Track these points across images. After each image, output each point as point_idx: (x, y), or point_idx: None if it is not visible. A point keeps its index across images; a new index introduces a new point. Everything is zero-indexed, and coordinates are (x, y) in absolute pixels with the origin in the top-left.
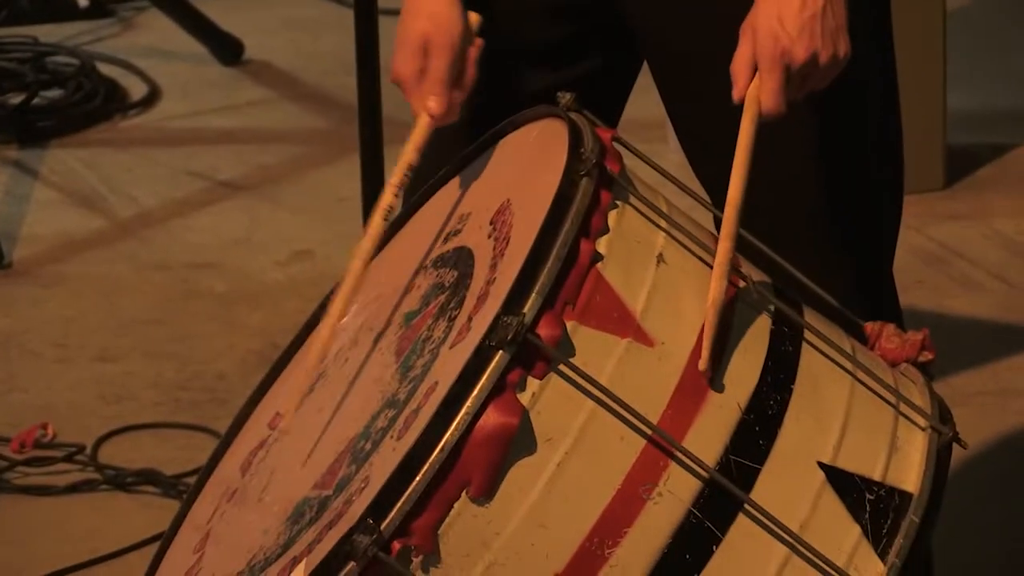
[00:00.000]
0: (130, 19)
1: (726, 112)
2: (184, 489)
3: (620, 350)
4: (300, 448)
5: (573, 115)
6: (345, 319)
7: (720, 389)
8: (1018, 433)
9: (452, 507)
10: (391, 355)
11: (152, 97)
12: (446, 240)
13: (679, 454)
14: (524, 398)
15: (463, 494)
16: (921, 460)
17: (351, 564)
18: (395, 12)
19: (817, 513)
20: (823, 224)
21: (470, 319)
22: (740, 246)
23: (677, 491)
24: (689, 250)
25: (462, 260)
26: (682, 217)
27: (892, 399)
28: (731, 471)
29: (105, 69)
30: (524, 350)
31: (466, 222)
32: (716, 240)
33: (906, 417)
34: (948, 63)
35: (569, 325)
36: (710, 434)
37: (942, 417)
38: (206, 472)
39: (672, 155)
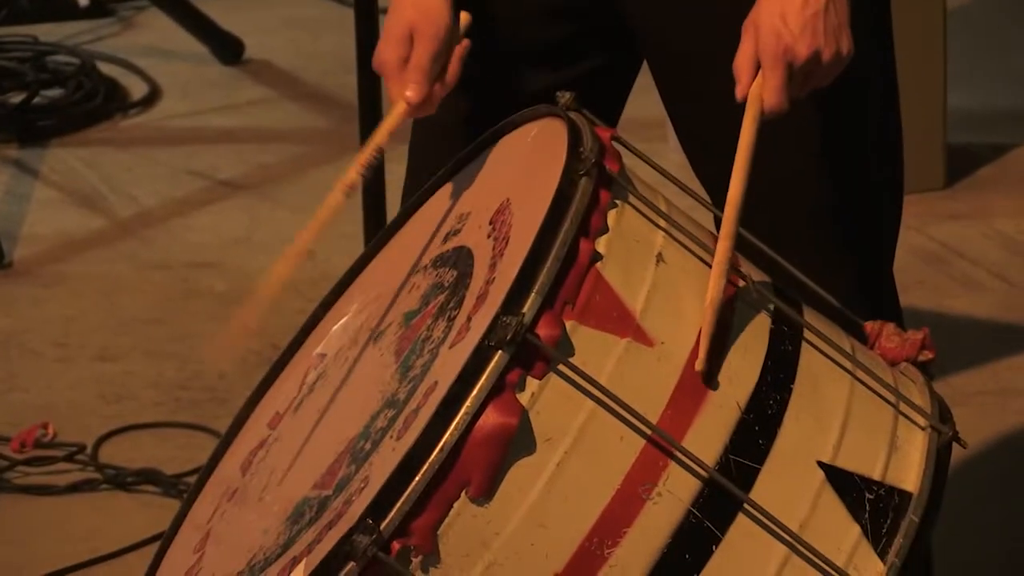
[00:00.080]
0: (130, 18)
1: (726, 112)
2: (184, 489)
3: (619, 350)
4: (300, 448)
5: (572, 114)
6: (345, 319)
7: (719, 388)
8: (1018, 433)
9: (452, 507)
10: (391, 355)
11: (152, 96)
12: (445, 240)
13: (679, 454)
14: (523, 398)
15: (463, 494)
16: (921, 459)
17: (351, 564)
18: None
19: (817, 513)
20: (824, 223)
21: (469, 319)
22: (740, 245)
23: (677, 491)
24: (689, 250)
25: (461, 260)
26: (682, 217)
27: (892, 398)
28: (731, 471)
29: (105, 68)
30: (523, 350)
31: (465, 222)
32: (716, 240)
33: (906, 416)
34: (948, 62)
35: (568, 325)
36: (710, 434)
37: (942, 416)
38: (206, 472)
39: (672, 155)
